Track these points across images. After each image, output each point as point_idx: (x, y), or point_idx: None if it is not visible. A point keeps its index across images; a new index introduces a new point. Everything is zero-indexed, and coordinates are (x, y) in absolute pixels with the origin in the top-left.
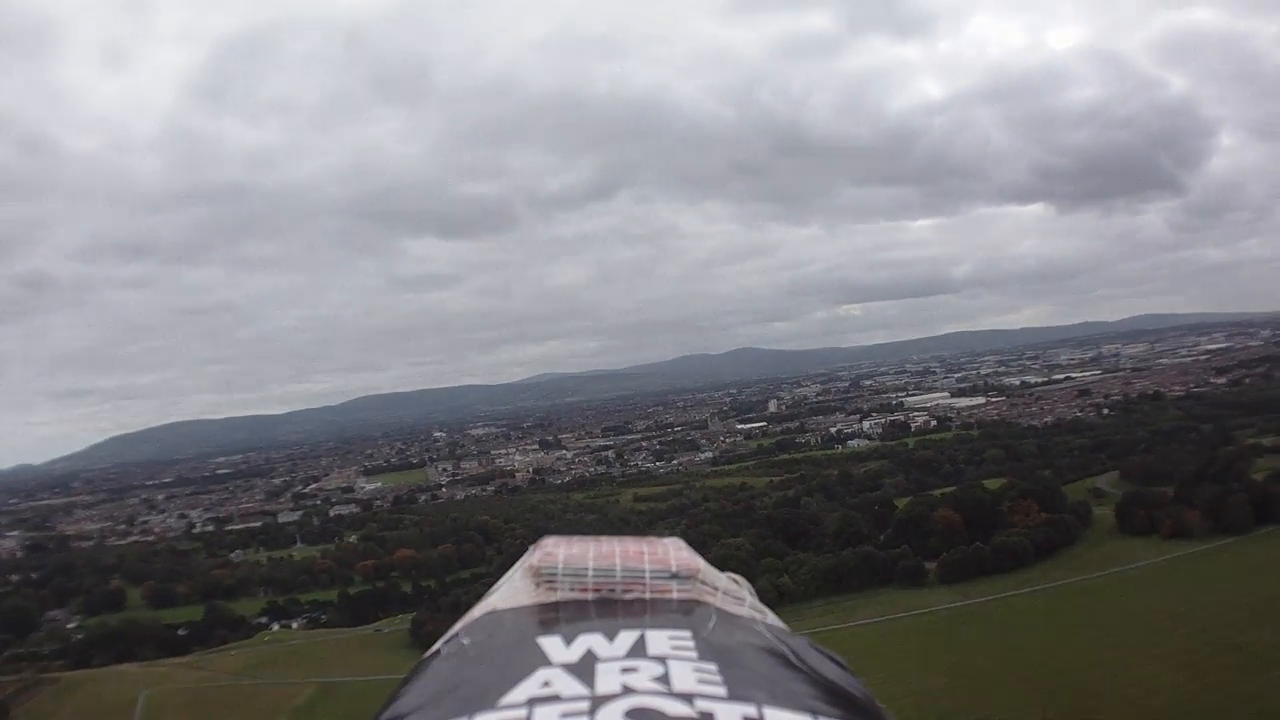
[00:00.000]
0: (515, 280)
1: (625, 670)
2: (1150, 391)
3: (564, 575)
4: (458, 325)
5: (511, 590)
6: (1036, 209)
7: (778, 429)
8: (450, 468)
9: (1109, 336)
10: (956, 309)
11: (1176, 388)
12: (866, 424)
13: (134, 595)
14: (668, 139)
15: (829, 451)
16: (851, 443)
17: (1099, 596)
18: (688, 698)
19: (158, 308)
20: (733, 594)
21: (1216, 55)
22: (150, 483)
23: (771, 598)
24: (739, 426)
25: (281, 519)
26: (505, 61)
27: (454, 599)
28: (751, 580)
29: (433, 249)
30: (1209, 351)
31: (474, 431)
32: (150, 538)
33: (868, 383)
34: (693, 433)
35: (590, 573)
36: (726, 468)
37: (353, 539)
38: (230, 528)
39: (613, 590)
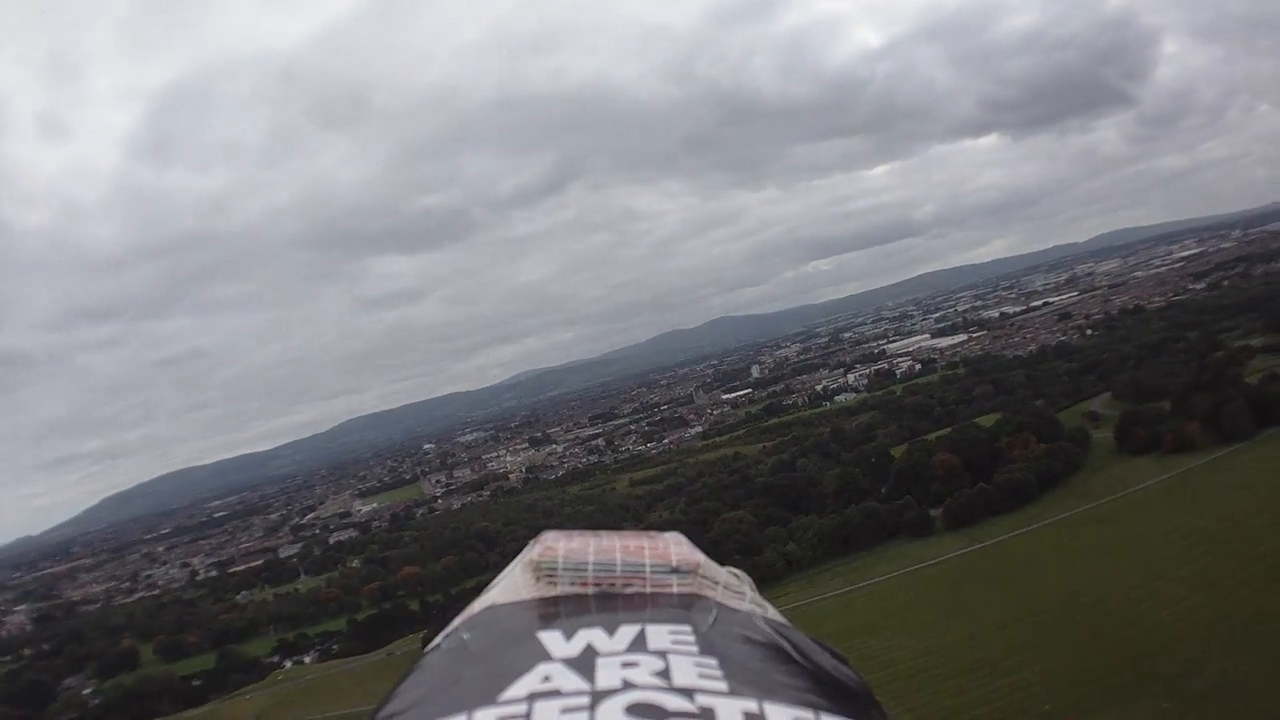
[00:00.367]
0: (482, 285)
1: (626, 665)
2: (1131, 306)
3: (564, 569)
4: (432, 336)
5: (511, 585)
6: (990, 140)
7: (763, 394)
8: (444, 478)
9: (1081, 257)
10: (925, 250)
11: (1156, 299)
12: (851, 377)
13: (146, 651)
14: (614, 125)
15: (818, 409)
16: (839, 397)
17: (1111, 523)
18: (688, 693)
19: (133, 364)
20: (733, 588)
21: None
22: (149, 536)
23: (780, 568)
24: (724, 397)
25: (282, 553)
26: (442, 73)
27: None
28: (758, 553)
29: (396, 265)
30: (1182, 259)
31: (463, 438)
32: (156, 591)
33: (847, 335)
34: (679, 409)
35: (590, 567)
36: (718, 439)
37: (355, 564)
38: (233, 569)
39: (613, 584)
